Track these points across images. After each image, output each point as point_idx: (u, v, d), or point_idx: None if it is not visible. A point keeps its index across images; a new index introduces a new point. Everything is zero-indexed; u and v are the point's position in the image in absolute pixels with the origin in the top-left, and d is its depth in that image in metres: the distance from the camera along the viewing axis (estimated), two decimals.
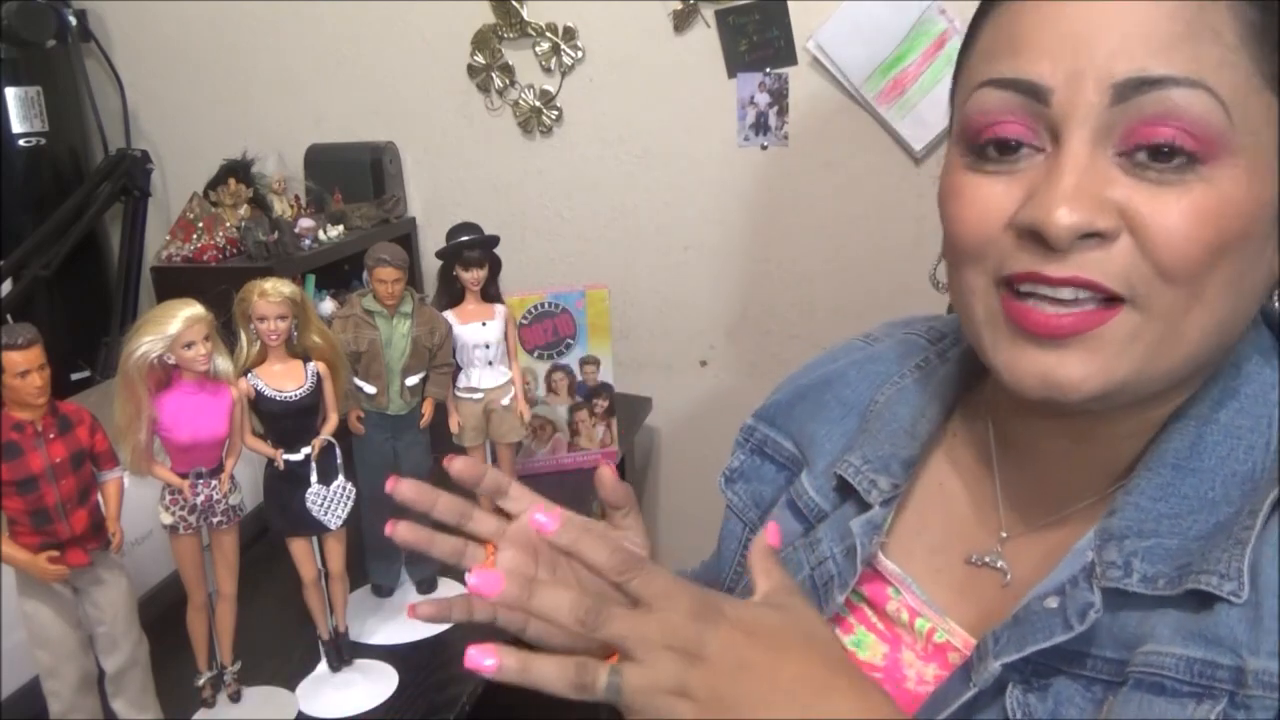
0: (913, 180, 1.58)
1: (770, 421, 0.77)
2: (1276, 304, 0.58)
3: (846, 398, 0.73)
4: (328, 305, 1.52)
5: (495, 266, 1.15)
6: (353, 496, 0.98)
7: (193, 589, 0.91)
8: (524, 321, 1.46)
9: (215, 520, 0.89)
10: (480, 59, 1.70)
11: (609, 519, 0.65)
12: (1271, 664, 0.48)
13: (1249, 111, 0.50)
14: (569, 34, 1.66)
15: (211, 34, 1.83)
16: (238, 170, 1.61)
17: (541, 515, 0.52)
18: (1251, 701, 0.48)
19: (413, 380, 1.09)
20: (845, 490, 0.68)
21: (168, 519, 0.88)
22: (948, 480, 0.68)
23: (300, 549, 0.97)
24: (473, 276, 1.13)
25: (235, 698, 0.97)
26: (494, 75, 1.71)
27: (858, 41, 1.52)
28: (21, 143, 1.59)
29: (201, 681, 0.94)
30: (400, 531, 0.61)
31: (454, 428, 1.16)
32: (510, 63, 1.70)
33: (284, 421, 0.93)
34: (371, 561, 1.17)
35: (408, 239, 1.78)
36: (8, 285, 1.47)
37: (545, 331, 1.48)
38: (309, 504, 0.95)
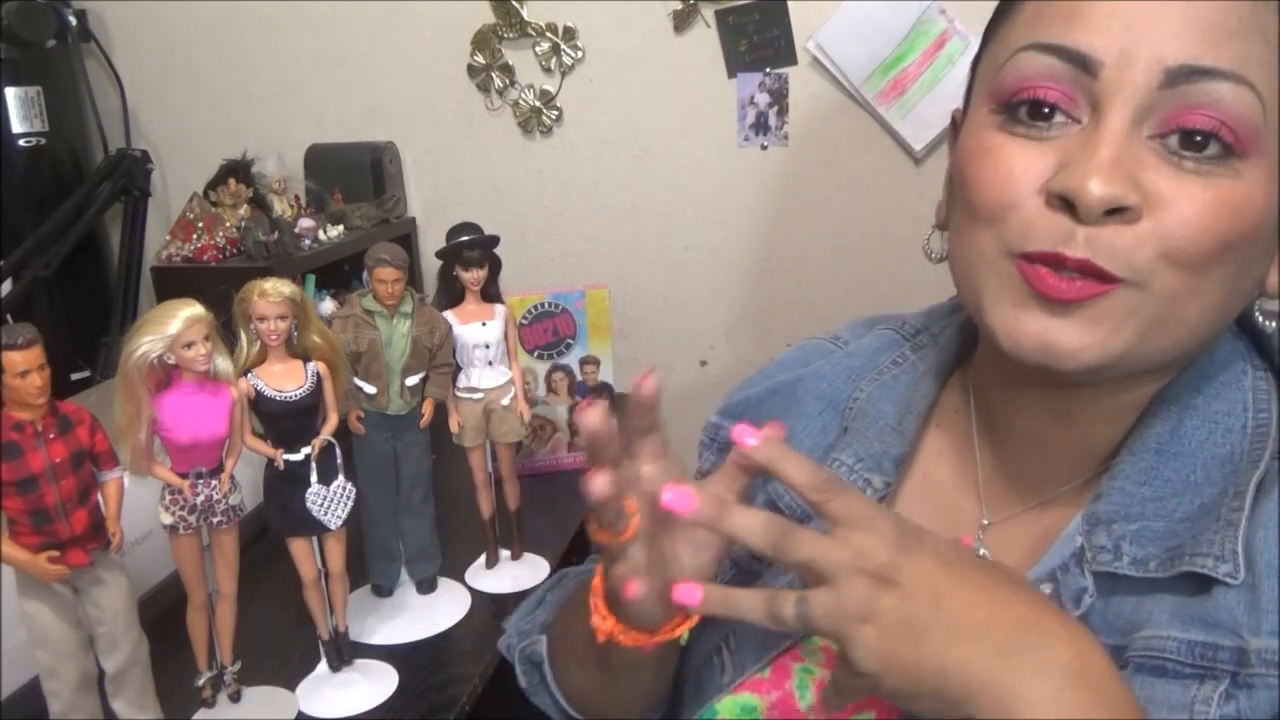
0: (913, 180, 1.58)
1: (738, 418, 0.76)
2: (1258, 314, 0.58)
3: (823, 392, 0.73)
4: (328, 305, 1.52)
5: (495, 266, 1.15)
6: (353, 496, 0.98)
7: (193, 589, 0.91)
8: (524, 321, 1.46)
9: (215, 520, 0.89)
10: (480, 59, 1.70)
11: (636, 447, 0.58)
12: (1272, 642, 0.49)
13: (1278, 115, 0.51)
14: (569, 34, 1.66)
15: (211, 34, 1.83)
16: (238, 170, 1.61)
17: (677, 497, 0.49)
18: (1254, 680, 0.49)
19: (413, 380, 1.09)
20: None
21: (168, 519, 0.88)
22: (933, 470, 0.69)
23: (300, 549, 0.97)
24: (473, 276, 1.13)
25: (235, 698, 0.97)
26: (494, 75, 1.71)
27: (858, 41, 1.52)
28: (21, 143, 1.59)
29: (201, 681, 0.94)
30: (591, 417, 0.51)
31: (454, 428, 1.16)
32: (510, 63, 1.70)
33: (284, 421, 0.93)
34: (371, 561, 1.17)
35: (408, 239, 1.77)
36: (8, 285, 1.47)
37: (545, 331, 1.48)
38: (309, 504, 0.95)
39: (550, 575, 1.17)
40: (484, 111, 1.74)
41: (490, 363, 1.16)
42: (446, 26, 1.71)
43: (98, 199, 1.55)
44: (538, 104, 1.70)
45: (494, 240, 1.14)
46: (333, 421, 0.97)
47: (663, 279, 1.75)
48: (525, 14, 1.66)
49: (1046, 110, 0.53)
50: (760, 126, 1.62)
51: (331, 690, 1.01)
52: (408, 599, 1.17)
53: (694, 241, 1.72)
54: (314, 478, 0.95)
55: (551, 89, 1.70)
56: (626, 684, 0.71)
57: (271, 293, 0.90)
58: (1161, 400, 0.59)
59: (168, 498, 0.88)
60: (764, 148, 1.63)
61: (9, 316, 1.41)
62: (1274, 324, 0.59)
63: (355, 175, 1.72)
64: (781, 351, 0.82)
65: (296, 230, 1.52)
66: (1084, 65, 0.52)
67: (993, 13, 0.60)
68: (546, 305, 1.47)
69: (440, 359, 1.11)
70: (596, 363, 1.51)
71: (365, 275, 1.08)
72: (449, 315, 1.13)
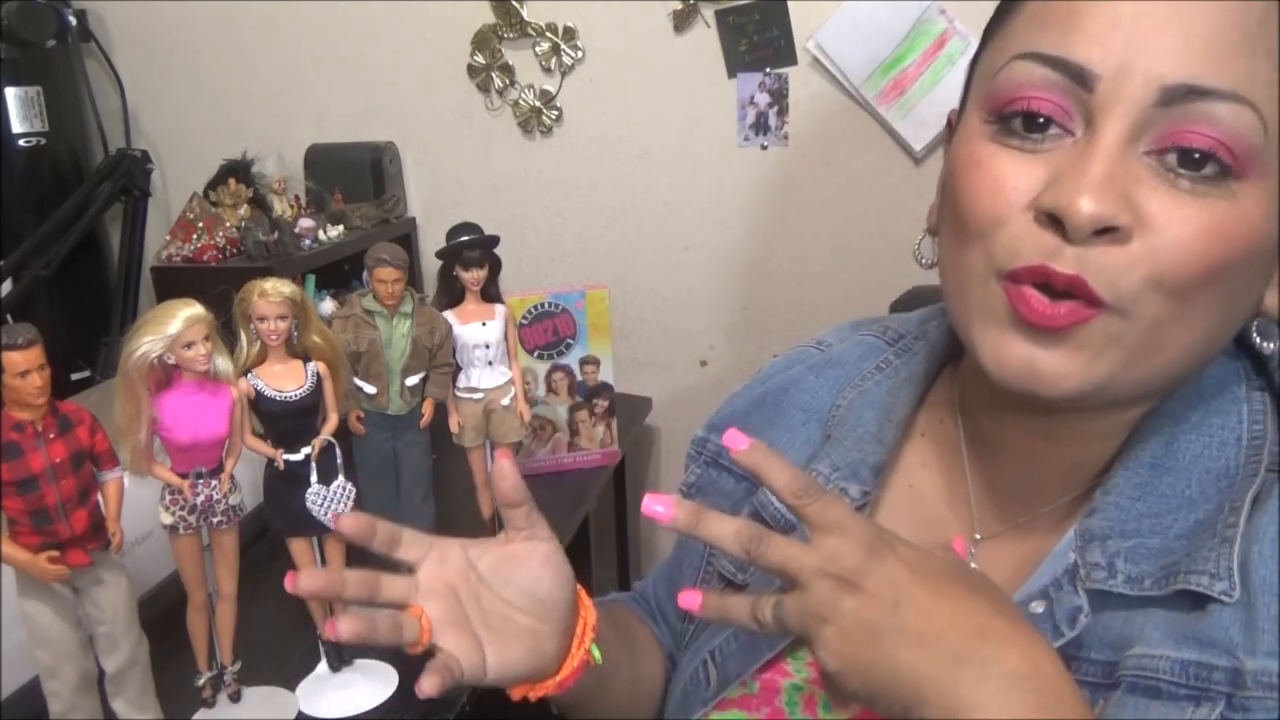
0: (913, 180, 1.58)
1: (724, 432, 0.76)
2: (1255, 335, 0.57)
3: (806, 403, 0.73)
4: (328, 305, 1.52)
5: (495, 266, 1.15)
6: (352, 496, 0.97)
7: (193, 589, 0.91)
8: (524, 321, 1.46)
9: (215, 520, 0.89)
10: (480, 59, 1.70)
11: (507, 520, 0.61)
12: (1270, 663, 0.48)
13: None
14: (569, 34, 1.66)
15: (211, 34, 1.83)
16: (238, 170, 1.61)
17: (656, 504, 0.52)
18: (1250, 702, 0.48)
19: (413, 380, 1.09)
20: None
21: (168, 519, 0.88)
22: (918, 482, 0.68)
23: (300, 549, 0.97)
24: (473, 276, 1.13)
25: (235, 698, 0.96)
26: (494, 75, 1.71)
27: (858, 41, 1.53)
28: (21, 143, 1.59)
29: (201, 681, 0.94)
30: (342, 630, 0.54)
31: (454, 428, 1.16)
32: (510, 63, 1.70)
33: (284, 421, 0.93)
34: (372, 561, 1.17)
35: (408, 239, 1.78)
36: (8, 285, 1.47)
37: (545, 331, 1.48)
38: (309, 504, 0.95)
39: None
40: (484, 111, 1.75)
41: (490, 363, 1.16)
42: (446, 26, 1.71)
43: (98, 199, 1.55)
44: (538, 104, 1.70)
45: (494, 240, 1.14)
46: (333, 421, 0.97)
47: (663, 279, 1.75)
48: (525, 14, 1.66)
49: (1040, 121, 0.52)
50: (760, 126, 1.62)
51: (331, 690, 1.01)
52: None
53: (694, 241, 1.72)
54: (314, 478, 0.95)
55: (551, 89, 1.70)
56: (600, 703, 0.72)
57: (271, 293, 0.90)
58: (1155, 416, 0.58)
59: (168, 498, 0.88)
60: (764, 148, 1.64)
61: (9, 316, 1.41)
62: (1271, 345, 0.57)
63: (355, 175, 1.72)
64: (781, 351, 0.82)
65: (296, 230, 1.52)
66: (1080, 78, 0.50)
67: (994, 12, 0.58)
68: (546, 305, 1.47)
69: (440, 359, 1.11)
70: (596, 363, 1.51)
71: (365, 275, 1.08)
72: (449, 315, 1.13)
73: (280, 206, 1.60)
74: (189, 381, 0.86)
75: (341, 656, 1.03)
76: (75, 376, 1.57)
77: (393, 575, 0.59)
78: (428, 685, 0.53)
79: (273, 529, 0.99)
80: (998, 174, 0.53)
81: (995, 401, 0.61)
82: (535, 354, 1.48)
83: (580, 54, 1.67)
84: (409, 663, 1.05)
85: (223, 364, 0.88)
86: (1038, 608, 0.54)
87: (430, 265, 1.73)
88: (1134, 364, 0.52)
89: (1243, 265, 0.50)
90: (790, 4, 1.55)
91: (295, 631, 1.06)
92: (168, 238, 1.54)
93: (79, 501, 0.79)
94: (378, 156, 1.74)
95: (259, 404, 0.92)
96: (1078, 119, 0.51)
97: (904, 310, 0.80)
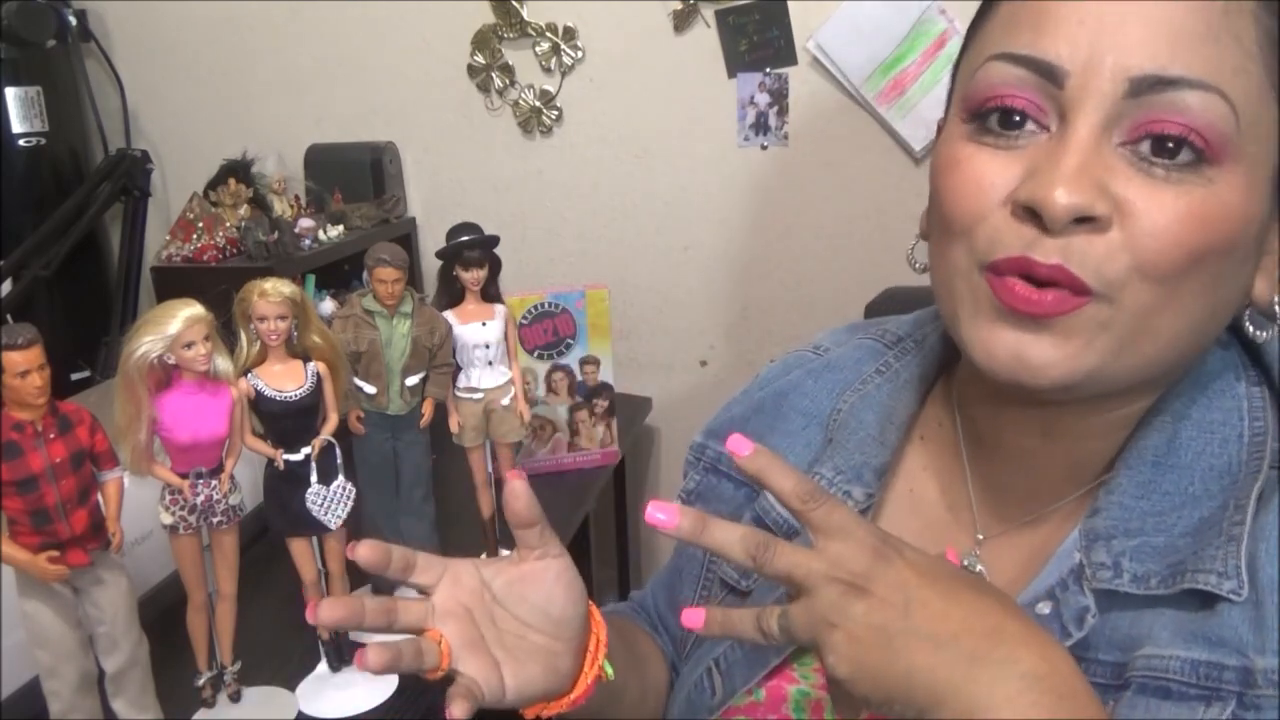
0: (913, 180, 1.58)
1: (723, 438, 0.75)
2: (1247, 324, 0.57)
3: (806, 408, 0.73)
4: (328, 305, 1.52)
5: (495, 266, 1.15)
6: (353, 496, 0.98)
7: (193, 589, 0.91)
8: (524, 321, 1.46)
9: (215, 520, 0.89)
10: (480, 59, 1.70)
11: (520, 540, 0.60)
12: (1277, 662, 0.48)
13: (1257, 120, 0.50)
14: (569, 34, 1.66)
15: (211, 34, 1.83)
16: (238, 170, 1.61)
17: (659, 512, 0.51)
18: (1261, 701, 0.48)
19: (413, 380, 1.09)
20: None
21: (168, 519, 0.88)
22: (918, 485, 0.68)
23: (300, 549, 0.97)
24: (473, 276, 1.13)
25: (235, 698, 0.96)
26: (494, 75, 1.71)
27: (858, 41, 1.53)
28: (21, 143, 1.59)
29: (201, 681, 0.94)
30: (371, 662, 0.53)
31: (454, 428, 1.16)
32: (510, 63, 1.70)
33: (284, 421, 0.93)
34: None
35: (408, 239, 1.78)
36: (8, 285, 1.47)
37: (545, 331, 1.48)
38: (309, 504, 0.95)
39: None
40: (484, 111, 1.75)
41: (490, 363, 1.16)
42: (446, 26, 1.71)
43: (98, 199, 1.55)
44: (538, 104, 1.70)
45: (494, 240, 1.14)
46: (333, 421, 0.97)
47: (663, 279, 1.75)
48: (525, 14, 1.66)
49: (1016, 119, 0.53)
50: (760, 126, 1.62)
51: (331, 690, 1.01)
52: (408, 598, 1.17)
53: (694, 241, 1.72)
54: (314, 478, 0.95)
55: (551, 89, 1.70)
56: (610, 717, 0.71)
57: (271, 293, 0.90)
58: (1155, 412, 0.58)
59: (168, 498, 0.88)
60: (764, 148, 1.64)
61: (9, 316, 1.41)
62: (1265, 334, 0.57)
63: (355, 175, 1.72)
64: (781, 351, 0.82)
65: (296, 230, 1.52)
66: (1050, 75, 0.51)
67: (974, 15, 0.59)
68: (546, 305, 1.47)
69: (440, 359, 1.11)
70: (596, 363, 1.51)
71: (365, 275, 1.08)
72: (449, 315, 1.13)
73: (280, 206, 1.60)
74: (189, 381, 0.86)
75: (341, 656, 1.03)
76: (75, 376, 1.57)
77: (408, 600, 0.59)
78: (458, 711, 0.53)
79: (273, 529, 0.99)
80: (976, 172, 0.54)
81: (992, 400, 0.61)
82: (535, 354, 1.48)
83: (580, 54, 1.67)
84: None
85: (223, 364, 0.88)
86: (1044, 609, 0.54)
87: (430, 265, 1.73)
88: (1124, 352, 0.52)
89: (1224, 250, 0.51)
90: (790, 4, 1.55)
91: (295, 631, 1.06)
92: (168, 238, 1.54)
93: (79, 501, 0.79)
94: (378, 156, 1.74)
95: (259, 404, 0.92)
96: (1052, 115, 0.52)
97: (880, 312, 0.80)
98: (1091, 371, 0.52)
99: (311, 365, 0.95)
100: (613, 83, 1.67)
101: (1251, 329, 0.58)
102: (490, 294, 1.16)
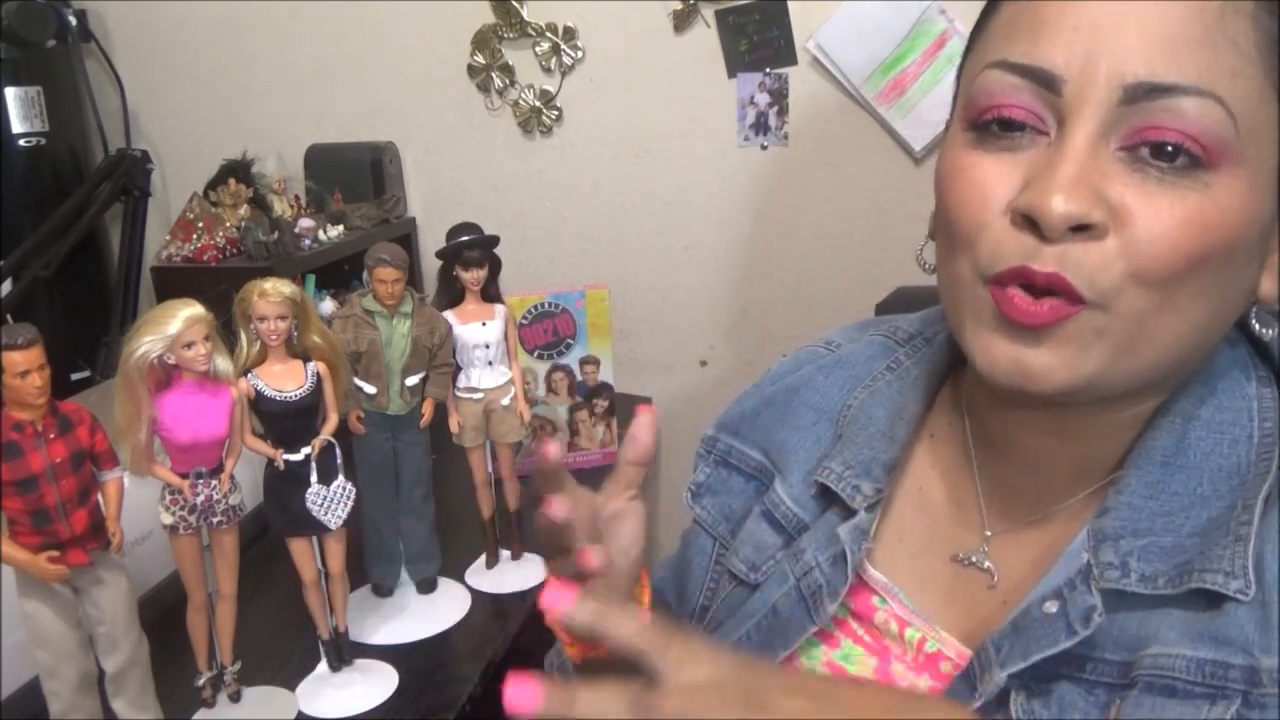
0: (913, 180, 1.58)
1: (734, 431, 0.76)
2: (1254, 322, 0.57)
3: (817, 404, 0.72)
4: (328, 305, 1.52)
5: (495, 266, 1.15)
6: (353, 496, 0.98)
7: (193, 589, 0.91)
8: (524, 321, 1.46)
9: (215, 520, 0.89)
10: (480, 59, 1.70)
11: (624, 477, 0.58)
12: None
13: (1257, 123, 0.50)
14: (569, 34, 1.66)
15: (211, 34, 1.83)
16: (238, 170, 1.61)
17: (555, 595, 0.47)
18: (1266, 700, 0.48)
19: (413, 380, 1.09)
20: (826, 498, 0.67)
21: (168, 519, 0.88)
22: (927, 483, 0.68)
23: (300, 549, 0.97)
24: (473, 276, 1.13)
25: (235, 698, 0.97)
26: (494, 75, 1.71)
27: (858, 41, 1.52)
28: (21, 143, 1.59)
29: (201, 681, 0.94)
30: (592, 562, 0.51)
31: (454, 428, 1.16)
32: (510, 63, 1.70)
33: (284, 421, 0.93)
34: (371, 561, 1.17)
35: (408, 239, 1.78)
36: (8, 285, 1.47)
37: (545, 331, 1.48)
38: (309, 504, 0.95)
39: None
40: (484, 111, 1.75)
41: (490, 363, 1.16)
42: (446, 26, 1.71)
43: (98, 199, 1.55)
44: (538, 104, 1.70)
45: (494, 240, 1.14)
46: (333, 421, 0.97)
47: (663, 279, 1.75)
48: (525, 14, 1.66)
49: (1017, 124, 0.53)
50: (760, 126, 1.62)
51: (331, 690, 1.01)
52: (408, 599, 1.17)
53: (694, 241, 1.72)
54: (314, 478, 0.95)
55: (551, 89, 1.70)
56: None
57: (271, 293, 0.90)
58: (1164, 412, 0.58)
59: (168, 498, 0.88)
60: (764, 148, 1.63)
61: (9, 316, 1.41)
62: (1270, 331, 0.57)
63: (355, 175, 1.72)
64: (781, 351, 0.82)
65: (296, 230, 1.52)
66: (1047, 83, 0.51)
67: (977, 19, 0.59)
68: (546, 305, 1.47)
69: (440, 359, 1.11)
70: (596, 363, 1.51)
71: (365, 275, 1.09)
72: (449, 315, 1.13)
73: (280, 206, 1.60)
74: (189, 381, 0.86)
75: (341, 656, 1.03)
76: (75, 376, 1.57)
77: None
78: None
79: (273, 529, 0.99)
80: (977, 181, 0.54)
81: (1000, 401, 0.61)
82: (535, 354, 1.48)
83: (580, 54, 1.67)
84: (408, 663, 1.05)
85: (223, 364, 0.88)
86: (1051, 608, 0.54)
87: (430, 265, 1.73)
88: (1122, 357, 0.52)
89: (1223, 255, 0.51)
90: (790, 4, 1.55)
91: (295, 631, 1.06)
92: (168, 238, 1.54)
93: (79, 501, 0.79)
94: (378, 156, 1.74)
95: (259, 404, 0.92)
96: (1050, 121, 0.52)
97: (890, 312, 0.80)
98: (1092, 377, 0.52)
99: (311, 365, 0.95)
100: (613, 83, 1.67)
101: (1258, 326, 0.58)
102: (490, 294, 1.16)
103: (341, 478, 0.97)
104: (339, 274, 1.67)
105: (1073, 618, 0.53)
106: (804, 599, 0.64)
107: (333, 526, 0.97)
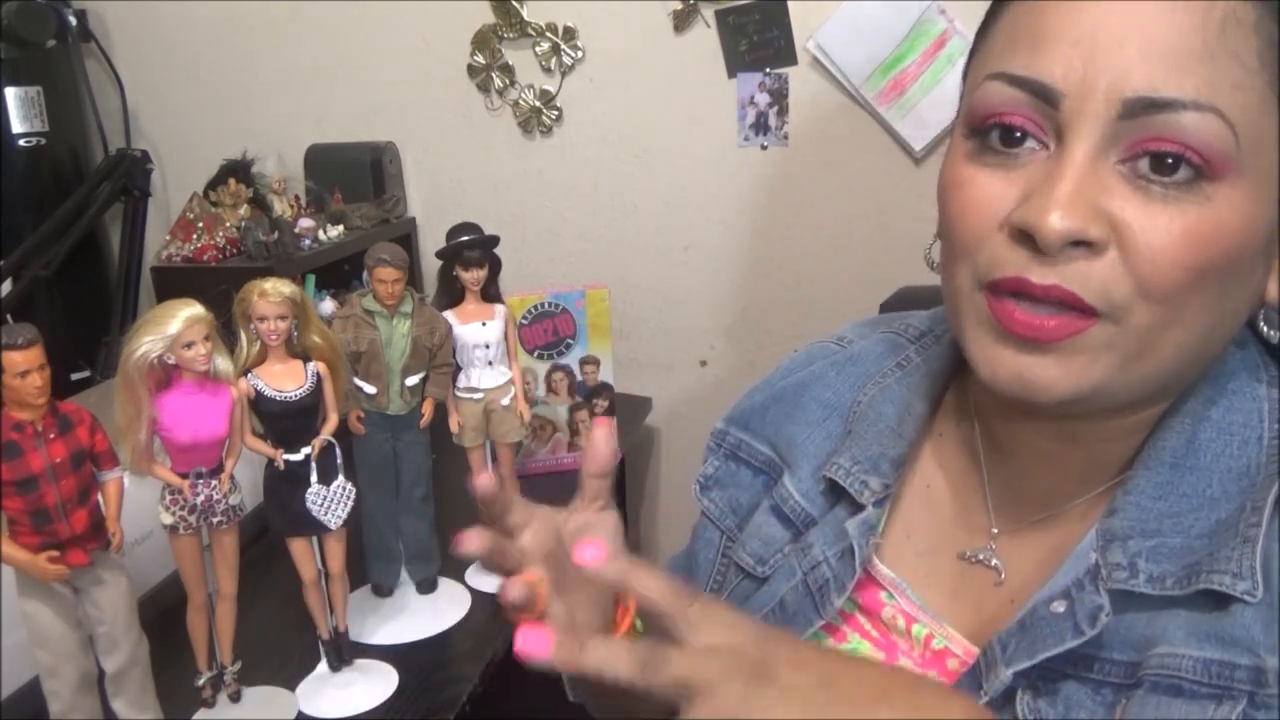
0: (913, 180, 1.58)
1: (744, 425, 0.76)
2: (1262, 324, 0.58)
3: (827, 399, 0.73)
4: (328, 305, 1.52)
5: (495, 266, 1.15)
6: (353, 496, 0.98)
7: (193, 589, 0.91)
8: (524, 321, 1.46)
9: (215, 520, 0.89)
10: (480, 59, 1.70)
11: (589, 490, 0.59)
12: None
13: (1259, 134, 0.50)
14: (569, 34, 1.66)
15: (211, 34, 1.83)
16: (238, 170, 1.61)
17: (590, 549, 0.47)
18: (1272, 701, 0.48)
19: (413, 380, 1.09)
20: (834, 493, 0.67)
21: (168, 519, 0.88)
22: (934, 481, 0.68)
23: (300, 549, 0.97)
24: (473, 276, 1.13)
25: (235, 698, 0.97)
26: (494, 75, 1.71)
27: (858, 41, 1.52)
28: (21, 143, 1.59)
29: (201, 681, 0.94)
30: (473, 544, 0.53)
31: (454, 428, 1.16)
32: (510, 63, 1.70)
33: (284, 421, 0.93)
34: (371, 561, 1.17)
35: (408, 239, 1.78)
36: (8, 285, 1.47)
37: (545, 331, 1.48)
38: (309, 504, 0.95)
39: None
40: (484, 111, 1.75)
41: (490, 363, 1.16)
42: (446, 26, 1.71)
43: (98, 199, 1.55)
44: (538, 104, 1.70)
45: (494, 240, 1.14)
46: (333, 421, 0.97)
47: (663, 279, 1.75)
48: (525, 14, 1.66)
49: (1017, 135, 0.53)
50: (760, 126, 1.62)
51: (331, 690, 1.01)
52: (408, 599, 1.17)
53: (694, 241, 1.72)
54: (314, 478, 0.95)
55: (551, 89, 1.70)
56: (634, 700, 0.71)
57: (271, 293, 0.90)
58: (1174, 413, 0.58)
59: (168, 498, 0.88)
60: (764, 148, 1.63)
61: (9, 316, 1.41)
62: (1278, 334, 0.57)
63: (355, 175, 1.72)
64: (781, 351, 0.82)
65: (296, 230, 1.52)
66: (1046, 97, 0.51)
67: (980, 25, 0.59)
68: (546, 305, 1.47)
69: (440, 359, 1.11)
70: (596, 363, 1.51)
71: (365, 275, 1.09)
72: (449, 315, 1.13)
73: (280, 206, 1.60)
74: (189, 381, 0.86)
75: (341, 656, 1.03)
76: (75, 376, 1.57)
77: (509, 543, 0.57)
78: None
79: (273, 529, 0.99)
80: (978, 195, 0.54)
81: (1006, 406, 0.61)
82: (535, 354, 1.48)
83: (580, 54, 1.67)
84: (408, 663, 1.05)
85: (223, 364, 0.88)
86: (1059, 607, 0.54)
87: (430, 265, 1.73)
88: (1129, 368, 0.52)
89: (1227, 266, 0.51)
90: (790, 4, 1.55)
91: (295, 631, 1.06)
92: (168, 238, 1.54)
93: (79, 501, 0.79)
94: (378, 156, 1.74)
95: (259, 404, 0.92)
96: (1049, 132, 0.52)
97: (894, 311, 0.81)
98: (1096, 387, 0.52)
99: (311, 365, 0.95)
100: (613, 83, 1.67)
101: (1266, 329, 0.58)
102: (490, 294, 1.16)
103: (341, 478, 0.97)
104: (339, 274, 1.67)
105: (1080, 618, 0.53)
106: (811, 593, 0.64)
107: (333, 526, 0.97)
